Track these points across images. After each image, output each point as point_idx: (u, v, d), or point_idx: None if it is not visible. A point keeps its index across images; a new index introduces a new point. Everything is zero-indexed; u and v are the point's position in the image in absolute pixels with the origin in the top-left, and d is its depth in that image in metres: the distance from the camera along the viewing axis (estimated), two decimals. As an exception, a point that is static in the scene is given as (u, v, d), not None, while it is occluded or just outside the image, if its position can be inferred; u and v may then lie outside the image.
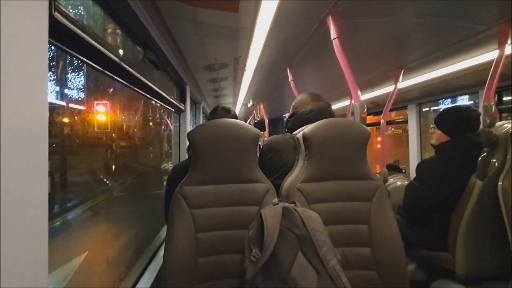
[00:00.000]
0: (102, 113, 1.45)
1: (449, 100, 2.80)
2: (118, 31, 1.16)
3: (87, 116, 1.32)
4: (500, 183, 1.24)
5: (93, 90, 1.41)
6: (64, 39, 0.67)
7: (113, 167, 1.76)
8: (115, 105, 1.63)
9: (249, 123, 5.50)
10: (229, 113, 1.45)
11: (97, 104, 1.42)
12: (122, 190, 1.78)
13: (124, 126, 2.00)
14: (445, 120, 1.60)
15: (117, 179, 1.74)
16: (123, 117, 1.92)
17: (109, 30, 1.10)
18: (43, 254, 0.47)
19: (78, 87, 1.23)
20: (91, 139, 1.45)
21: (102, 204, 1.48)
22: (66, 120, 1.14)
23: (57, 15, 0.58)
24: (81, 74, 1.20)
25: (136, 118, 2.21)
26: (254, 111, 5.29)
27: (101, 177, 1.55)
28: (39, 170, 0.47)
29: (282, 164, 1.31)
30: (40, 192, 0.47)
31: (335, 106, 4.03)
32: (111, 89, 1.60)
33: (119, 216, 1.64)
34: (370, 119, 4.00)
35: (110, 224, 1.50)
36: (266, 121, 4.93)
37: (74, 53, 0.73)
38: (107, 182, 1.60)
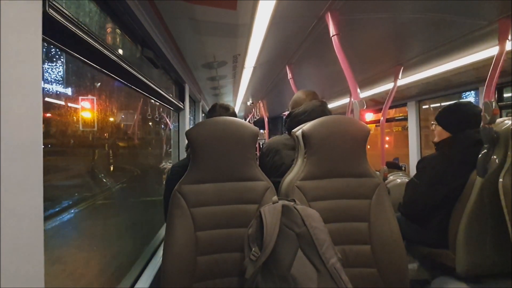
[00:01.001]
0: (87, 110, 1.33)
1: (473, 93, 2.67)
2: (116, 29, 1.15)
3: (71, 113, 1.21)
4: (500, 180, 1.23)
5: (77, 84, 1.27)
6: (59, 37, 0.66)
7: (101, 170, 1.52)
8: (106, 101, 1.48)
9: (249, 121, 5.49)
10: (228, 110, 1.44)
11: (82, 100, 1.29)
12: (108, 197, 1.52)
13: (118, 125, 1.86)
14: (446, 116, 1.59)
15: (104, 184, 1.50)
16: (116, 115, 1.78)
17: (106, 28, 1.09)
18: (38, 258, 0.47)
19: (56, 79, 1.09)
20: (76, 138, 1.32)
21: (81, 215, 1.27)
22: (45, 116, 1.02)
23: (51, 11, 0.57)
24: (60, 64, 1.07)
25: (133, 117, 2.13)
26: (253, 109, 5.28)
27: (84, 181, 1.37)
28: (34, 171, 0.46)
29: (281, 163, 1.33)
30: (35, 195, 0.46)
31: (335, 104, 4.02)
32: (99, 83, 1.43)
33: (98, 232, 1.36)
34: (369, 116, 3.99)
35: (83, 242, 1.24)
36: (266, 119, 4.92)
37: (70, 51, 0.72)
38: (91, 187, 1.41)
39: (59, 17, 0.61)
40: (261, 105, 4.51)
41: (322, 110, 1.34)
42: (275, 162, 1.37)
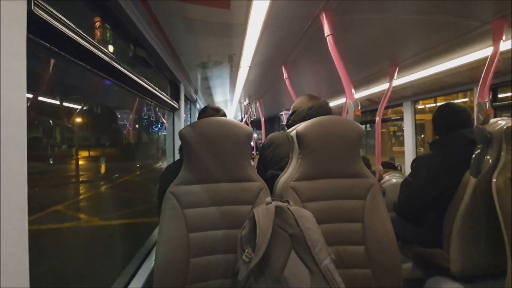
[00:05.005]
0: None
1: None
2: (108, 28, 1.14)
3: None
4: (494, 180, 1.23)
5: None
6: (46, 36, 0.64)
7: None
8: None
9: (245, 121, 5.48)
10: (218, 112, 1.49)
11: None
12: None
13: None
14: (432, 121, 1.63)
15: None
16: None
17: (98, 28, 1.07)
18: (23, 257, 0.46)
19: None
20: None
21: None
22: None
23: (36, 10, 0.56)
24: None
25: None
26: (250, 109, 5.27)
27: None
28: (17, 172, 0.45)
29: (283, 157, 1.40)
30: (19, 194, 0.45)
31: (331, 104, 4.02)
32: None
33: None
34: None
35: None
36: (262, 119, 4.92)
37: (59, 51, 0.71)
38: None
39: (46, 15, 0.60)
40: (258, 105, 4.51)
41: (328, 108, 1.38)
42: (276, 156, 1.44)
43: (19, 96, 0.46)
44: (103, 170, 1.68)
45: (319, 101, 1.43)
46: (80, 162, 1.53)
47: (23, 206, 0.46)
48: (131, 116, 3.23)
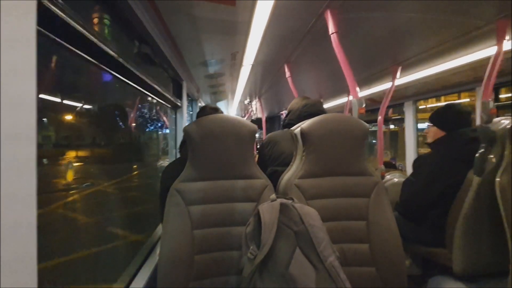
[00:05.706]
0: None
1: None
2: (113, 23, 1.14)
3: None
4: (497, 179, 1.23)
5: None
6: (54, 28, 0.64)
7: None
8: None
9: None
10: (217, 111, 1.51)
11: None
12: None
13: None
14: (440, 116, 1.63)
15: None
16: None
17: (103, 23, 1.07)
18: (32, 251, 0.46)
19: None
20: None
21: None
22: None
23: (46, 2, 0.56)
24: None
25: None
26: (251, 108, 5.26)
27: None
28: (27, 166, 0.45)
29: (281, 153, 1.47)
30: (29, 189, 0.45)
31: (333, 103, 4.02)
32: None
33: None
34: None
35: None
36: (263, 118, 4.91)
37: (65, 44, 0.71)
38: None
39: (54, 8, 0.60)
40: (259, 103, 4.50)
41: (321, 106, 1.47)
42: (274, 153, 1.50)
43: (29, 89, 0.46)
44: (69, 177, 1.33)
45: (312, 99, 1.53)
46: (58, 164, 1.24)
47: (32, 202, 0.46)
48: (132, 115, 3.22)
